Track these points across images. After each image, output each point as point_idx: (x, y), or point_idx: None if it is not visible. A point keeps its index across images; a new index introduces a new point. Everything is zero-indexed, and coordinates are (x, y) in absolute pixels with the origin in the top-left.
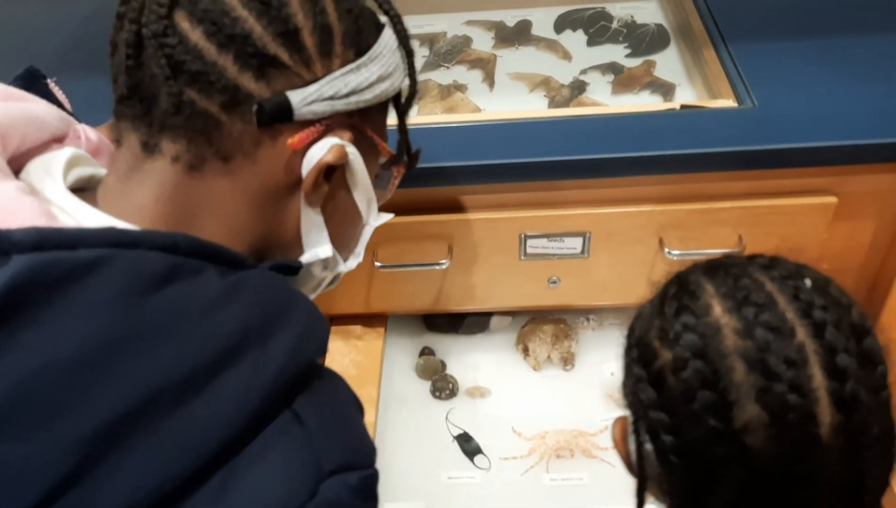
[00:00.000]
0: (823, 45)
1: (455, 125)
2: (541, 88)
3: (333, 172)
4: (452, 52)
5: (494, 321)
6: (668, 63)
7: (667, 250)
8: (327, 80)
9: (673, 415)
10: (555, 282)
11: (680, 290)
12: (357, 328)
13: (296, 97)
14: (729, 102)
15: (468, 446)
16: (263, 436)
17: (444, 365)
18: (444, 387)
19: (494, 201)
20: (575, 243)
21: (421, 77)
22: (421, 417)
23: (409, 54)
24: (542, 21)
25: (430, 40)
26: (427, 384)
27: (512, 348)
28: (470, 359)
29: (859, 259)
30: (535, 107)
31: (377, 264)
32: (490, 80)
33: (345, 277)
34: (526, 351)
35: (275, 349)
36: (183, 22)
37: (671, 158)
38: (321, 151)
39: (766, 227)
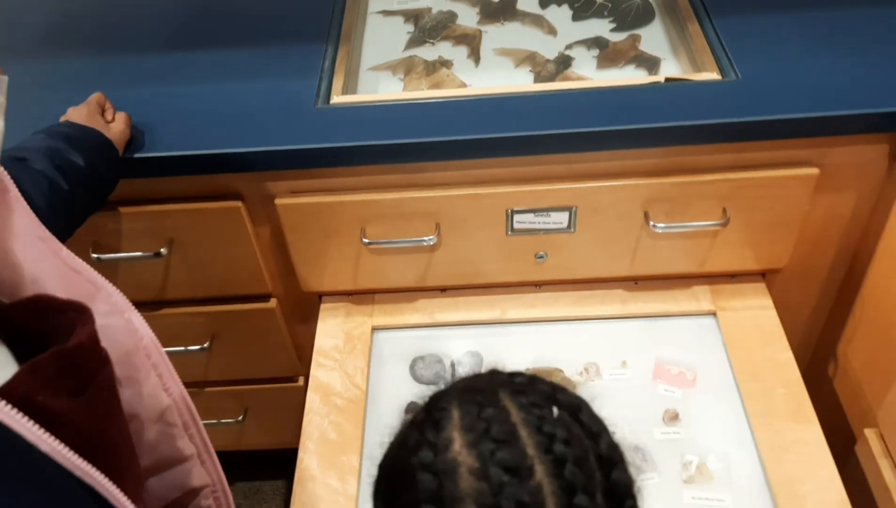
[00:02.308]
0: (807, 18)
1: (441, 101)
2: (526, 64)
3: None
4: (437, 27)
5: (486, 368)
6: (653, 37)
7: (652, 223)
8: None
9: None
10: (542, 257)
11: (427, 417)
12: (336, 382)
13: None
14: (713, 75)
15: None
16: None
17: None
18: None
19: (481, 176)
20: (561, 218)
21: (406, 53)
22: None
23: None
24: None
25: (414, 17)
26: None
27: None
28: None
29: (841, 231)
30: (520, 82)
31: (365, 240)
32: (475, 56)
33: (333, 253)
34: None
35: None
36: None
37: (655, 131)
38: None
39: (749, 199)
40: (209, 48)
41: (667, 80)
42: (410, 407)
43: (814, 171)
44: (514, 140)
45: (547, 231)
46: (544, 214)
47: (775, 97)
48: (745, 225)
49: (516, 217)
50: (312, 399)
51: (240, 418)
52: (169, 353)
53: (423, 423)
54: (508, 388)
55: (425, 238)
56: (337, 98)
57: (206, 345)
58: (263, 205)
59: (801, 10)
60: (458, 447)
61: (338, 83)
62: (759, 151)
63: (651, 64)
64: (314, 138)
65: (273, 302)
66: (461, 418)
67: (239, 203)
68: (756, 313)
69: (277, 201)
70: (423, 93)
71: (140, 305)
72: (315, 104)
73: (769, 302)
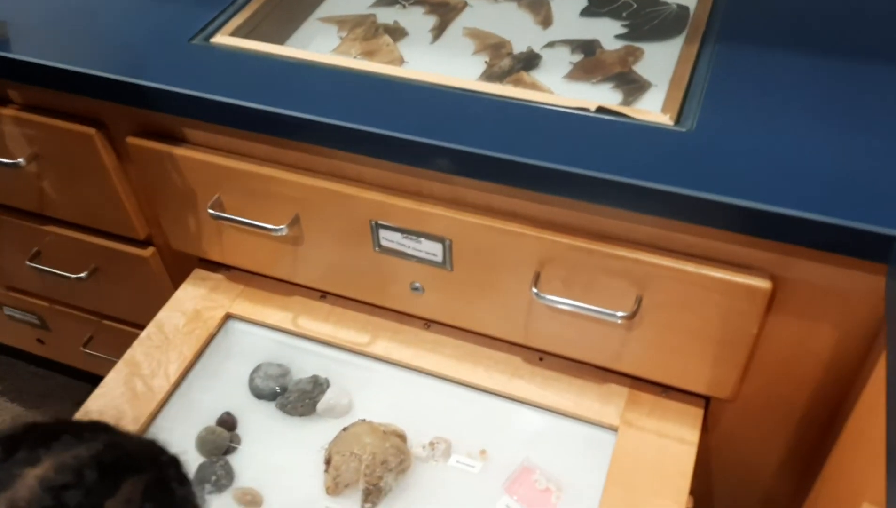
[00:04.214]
0: (835, 77)
1: (335, 71)
2: (486, 53)
3: None
4: None
5: (324, 402)
6: (664, 56)
7: (536, 290)
8: None
9: None
10: (417, 289)
11: None
12: (150, 365)
13: None
14: (662, 118)
15: None
16: None
17: (232, 446)
18: (209, 476)
19: (346, 170)
20: (434, 249)
21: (368, 10)
22: None
23: None
24: None
25: None
26: (198, 463)
27: (322, 449)
28: (269, 447)
29: (816, 375)
30: (464, 72)
31: (210, 211)
32: (439, 30)
33: (191, 214)
34: (328, 463)
35: None
36: None
37: (558, 175)
38: None
39: (673, 295)
40: None
41: (599, 109)
42: (224, 418)
43: (764, 283)
44: (382, 139)
45: (420, 260)
46: (414, 238)
47: (729, 168)
48: (668, 328)
49: (382, 233)
50: (114, 376)
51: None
52: (45, 271)
53: None
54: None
55: (274, 226)
56: (220, 38)
57: (83, 275)
58: None
59: (833, 69)
60: None
61: (235, 22)
62: (695, 235)
63: (635, 88)
64: (163, 77)
65: (150, 251)
66: None
67: (93, 131)
68: (669, 445)
69: (129, 140)
70: (322, 57)
71: (22, 213)
72: (190, 39)
73: (694, 436)
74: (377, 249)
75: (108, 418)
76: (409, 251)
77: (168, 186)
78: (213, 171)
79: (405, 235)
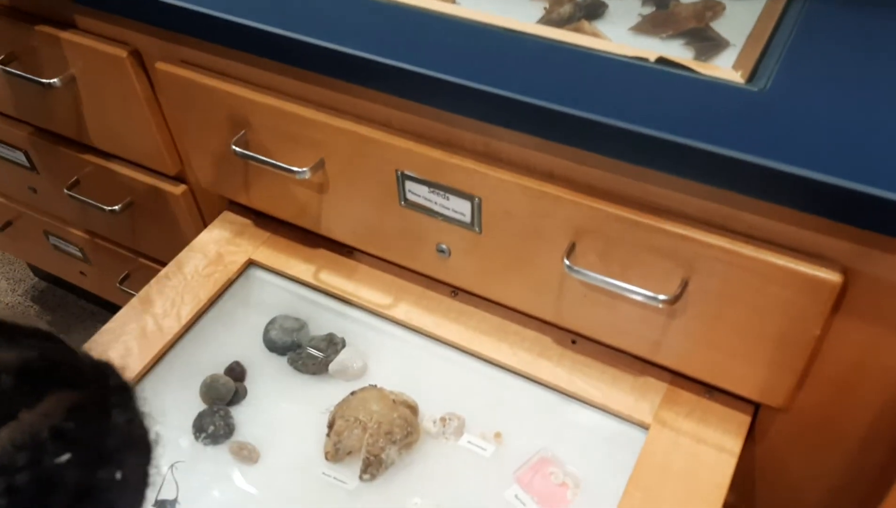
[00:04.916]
0: None
1: (382, 3)
2: None
3: None
4: None
5: (337, 363)
6: (747, 13)
7: (568, 263)
8: None
9: None
10: (443, 251)
11: None
12: (163, 305)
13: None
14: (733, 76)
15: None
16: None
17: (236, 397)
18: (207, 425)
19: (377, 114)
20: (462, 207)
21: None
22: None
23: None
24: None
25: None
26: (199, 410)
27: (328, 411)
28: (274, 402)
29: (884, 390)
30: (519, 16)
31: (234, 147)
32: None
33: (216, 151)
34: (331, 428)
35: None
36: None
37: (603, 130)
38: None
39: (725, 281)
40: None
41: (659, 60)
42: (233, 367)
43: (833, 277)
44: (406, 75)
45: (447, 219)
46: (442, 193)
47: (804, 136)
48: (716, 319)
49: (409, 185)
50: (126, 312)
51: None
52: (82, 201)
53: None
54: None
55: (298, 169)
56: None
57: (116, 208)
58: None
59: None
60: None
61: None
62: (756, 212)
63: (709, 46)
64: None
65: (181, 188)
66: None
67: (124, 53)
68: (706, 452)
69: (158, 65)
70: None
71: (62, 139)
72: None
73: (736, 446)
74: (403, 203)
75: (114, 354)
76: (437, 208)
77: (195, 118)
78: (239, 104)
79: (432, 189)
